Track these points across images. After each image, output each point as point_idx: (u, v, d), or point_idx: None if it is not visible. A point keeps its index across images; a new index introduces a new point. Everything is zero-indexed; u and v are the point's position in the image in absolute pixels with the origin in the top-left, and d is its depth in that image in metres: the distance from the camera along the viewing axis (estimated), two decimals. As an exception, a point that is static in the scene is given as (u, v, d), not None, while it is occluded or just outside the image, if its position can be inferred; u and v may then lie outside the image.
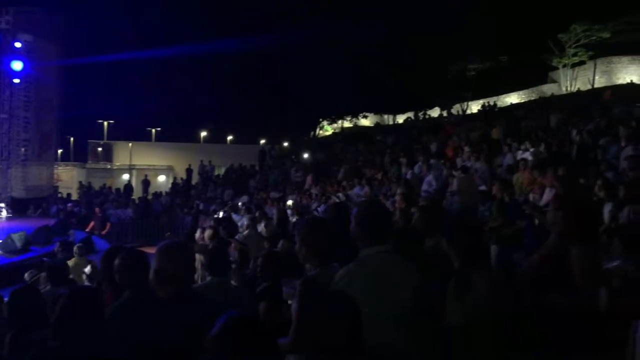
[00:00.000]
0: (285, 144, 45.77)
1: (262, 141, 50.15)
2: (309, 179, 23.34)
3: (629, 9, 38.37)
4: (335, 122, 53.00)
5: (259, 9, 44.45)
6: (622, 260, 3.33)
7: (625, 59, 41.28)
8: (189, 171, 33.57)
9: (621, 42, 40.20)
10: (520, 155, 14.39)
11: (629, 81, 39.00)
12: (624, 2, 37.71)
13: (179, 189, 31.27)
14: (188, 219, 21.28)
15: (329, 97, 42.73)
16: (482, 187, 11.86)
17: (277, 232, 10.11)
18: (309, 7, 43.51)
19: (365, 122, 52.52)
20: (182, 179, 34.75)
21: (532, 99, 42.51)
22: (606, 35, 39.87)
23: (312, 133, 51.50)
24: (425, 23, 42.92)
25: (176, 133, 51.85)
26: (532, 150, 14.45)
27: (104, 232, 20.22)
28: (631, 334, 2.50)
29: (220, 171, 34.76)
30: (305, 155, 33.75)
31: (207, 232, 9.23)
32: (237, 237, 10.11)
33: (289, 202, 18.10)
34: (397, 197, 8.94)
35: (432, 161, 16.57)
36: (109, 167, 48.88)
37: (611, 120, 20.42)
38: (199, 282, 5.91)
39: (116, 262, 3.70)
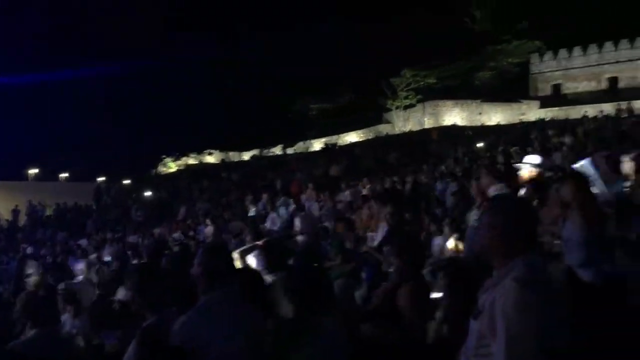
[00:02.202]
0: (126, 181, 43.61)
1: (100, 178, 47.30)
2: (182, 210, 22.16)
3: (450, 58, 42.73)
4: (179, 159, 51.72)
5: (92, 45, 42.50)
6: (445, 293, 3.50)
7: (449, 102, 45.58)
8: (15, 212, 30.51)
9: (445, 87, 44.40)
10: (359, 192, 14.98)
11: (453, 123, 43.03)
12: (445, 52, 41.95)
13: (3, 231, 28.22)
14: (13, 264, 19.21)
15: (172, 133, 41.78)
16: (324, 224, 12.15)
17: (114, 278, 9.39)
18: (148, 41, 42.53)
19: (210, 159, 51.91)
20: (7, 220, 31.46)
21: (370, 137, 45.06)
22: (432, 80, 43.86)
23: (154, 170, 49.69)
24: (270, 64, 44.01)
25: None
26: (369, 186, 15.09)
27: None
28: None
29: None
30: (147, 193, 32.32)
31: (33, 279, 8.36)
32: (64, 284, 9.21)
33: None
34: (246, 237, 8.78)
35: (281, 199, 16.55)
36: None
37: (440, 158, 22.25)
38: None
39: None
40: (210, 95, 44.37)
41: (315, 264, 4.38)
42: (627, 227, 3.78)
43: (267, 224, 12.88)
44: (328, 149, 38.50)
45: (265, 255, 4.58)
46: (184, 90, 43.43)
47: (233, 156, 52.43)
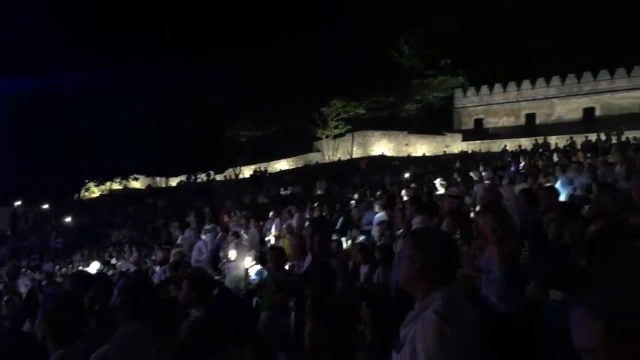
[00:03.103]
0: (45, 206, 41.64)
1: (17, 203, 44.91)
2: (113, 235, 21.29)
3: (379, 90, 43.89)
4: (103, 184, 50.01)
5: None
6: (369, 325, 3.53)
7: (377, 133, 46.70)
8: None
9: (374, 118, 45.46)
10: (289, 221, 14.95)
11: (380, 153, 44.02)
12: (374, 84, 43.08)
13: None
14: None
15: (96, 157, 40.42)
16: (253, 252, 12.05)
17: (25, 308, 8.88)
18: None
19: (136, 184, 50.50)
20: None
21: (299, 166, 45.32)
22: (361, 111, 44.85)
23: (76, 195, 47.73)
24: (200, 89, 43.68)
25: None
26: (297, 215, 15.09)
27: None
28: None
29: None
30: (68, 219, 31.00)
31: None
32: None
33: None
34: (167, 268, 8.56)
35: (206, 226, 16.22)
36: None
37: (368, 187, 22.61)
38: None
39: None
40: (138, 119, 43.32)
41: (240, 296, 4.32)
42: (541, 258, 3.95)
43: (194, 253, 12.59)
44: (257, 175, 38.39)
45: (190, 288, 4.47)
46: (109, 113, 42.20)
47: (160, 182, 51.29)
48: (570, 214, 4.06)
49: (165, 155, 42.52)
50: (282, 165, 47.26)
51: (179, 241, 15.52)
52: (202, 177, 43.71)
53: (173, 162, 43.48)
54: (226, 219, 18.47)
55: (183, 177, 44.15)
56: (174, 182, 47.05)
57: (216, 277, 10.36)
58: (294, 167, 45.91)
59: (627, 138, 24.45)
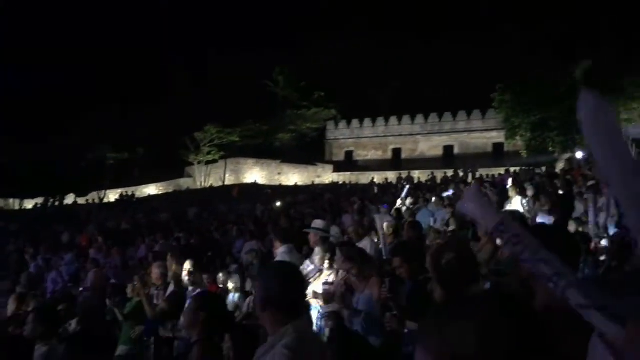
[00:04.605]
0: None
1: None
2: None
3: (253, 118, 44.13)
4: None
5: None
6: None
7: (251, 161, 46.73)
8: None
9: (247, 145, 45.45)
10: (156, 248, 14.35)
11: (253, 181, 43.99)
12: (249, 112, 43.30)
13: None
14: None
15: None
16: (113, 281, 11.38)
17: None
18: None
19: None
20: None
21: (170, 191, 43.99)
22: (235, 138, 44.65)
23: None
24: (66, 106, 41.24)
25: None
26: (162, 242, 14.57)
27: None
28: None
29: None
30: None
31: None
32: None
33: None
34: (12, 301, 7.79)
35: (68, 256, 15.06)
36: None
37: (239, 215, 22.43)
38: None
39: None
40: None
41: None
42: (396, 294, 4.14)
43: (48, 283, 11.64)
44: (124, 200, 36.67)
45: (36, 323, 4.08)
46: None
47: (13, 204, 47.13)
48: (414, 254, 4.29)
49: (18, 175, 39.31)
50: (151, 190, 45.56)
51: (31, 269, 14.29)
52: (63, 200, 40.86)
53: (29, 183, 40.29)
54: (86, 244, 17.39)
55: (40, 200, 40.97)
56: (29, 204, 43.48)
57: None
58: (164, 192, 44.46)
59: (480, 175, 26.55)
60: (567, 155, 26.75)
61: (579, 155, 21.21)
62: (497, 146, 40.71)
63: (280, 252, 6.11)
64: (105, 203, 39.36)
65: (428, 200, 14.27)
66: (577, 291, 1.25)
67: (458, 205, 1.69)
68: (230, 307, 7.65)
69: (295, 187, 39.42)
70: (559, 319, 1.50)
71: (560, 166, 23.43)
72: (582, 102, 1.32)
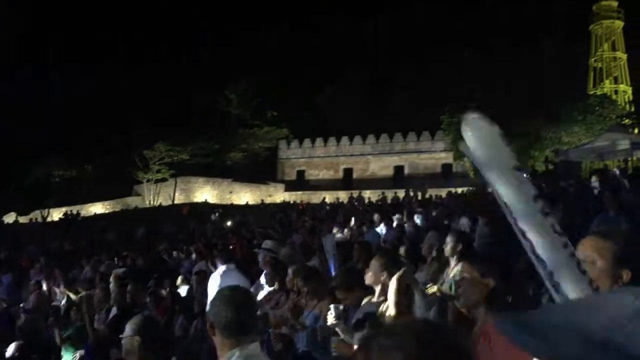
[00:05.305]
0: None
1: None
2: None
3: (205, 136, 43.72)
4: None
5: None
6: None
7: (201, 179, 46.20)
8: None
9: (198, 164, 44.93)
10: (101, 269, 13.95)
11: (204, 200, 43.44)
12: (201, 130, 42.89)
13: None
14: None
15: None
16: (56, 303, 11.02)
17: None
18: None
19: None
20: None
21: (117, 210, 42.93)
22: (185, 156, 44.05)
23: None
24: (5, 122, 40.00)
25: None
26: (107, 263, 14.21)
27: None
28: None
29: None
30: None
31: None
32: None
33: None
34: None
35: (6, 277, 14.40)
36: None
37: (187, 234, 22.09)
38: None
39: None
40: None
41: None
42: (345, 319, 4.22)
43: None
44: (68, 219, 35.56)
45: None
46: None
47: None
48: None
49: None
50: (98, 208, 44.31)
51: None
52: (4, 219, 39.27)
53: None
54: (26, 265, 16.76)
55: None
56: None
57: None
58: (111, 211, 43.33)
59: (429, 195, 27.04)
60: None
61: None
62: (446, 167, 41.59)
63: (220, 271, 6.09)
64: (49, 222, 38.09)
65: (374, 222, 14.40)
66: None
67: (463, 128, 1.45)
68: (177, 330, 7.50)
69: (247, 206, 39.16)
70: (499, 345, 1.52)
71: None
72: (468, 124, 1.40)
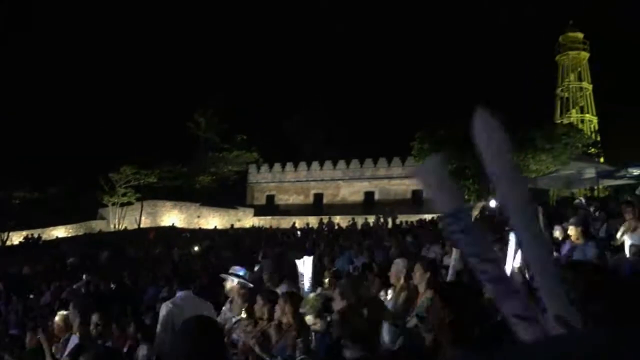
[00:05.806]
0: None
1: None
2: None
3: (173, 159, 43.28)
4: None
5: None
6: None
7: (169, 203, 45.47)
8: None
9: (166, 187, 44.31)
10: (63, 295, 13.48)
11: (171, 224, 42.71)
12: (168, 153, 42.49)
13: None
14: None
15: None
16: (13, 332, 10.55)
17: None
18: None
19: None
20: None
21: (80, 233, 41.84)
22: (153, 180, 43.39)
23: None
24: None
25: None
26: (68, 289, 13.71)
27: None
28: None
29: None
30: None
31: None
32: None
33: None
34: None
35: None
36: None
37: (154, 260, 21.56)
38: None
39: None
40: None
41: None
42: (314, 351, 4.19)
43: None
44: (29, 243, 34.48)
45: None
46: None
47: None
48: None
49: None
50: (60, 232, 43.09)
51: None
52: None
53: None
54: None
55: None
56: None
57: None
58: (74, 234, 42.18)
59: (400, 221, 27.02)
60: (481, 204, 27.74)
61: (493, 203, 22.01)
62: (417, 193, 41.80)
63: (178, 297, 5.89)
64: (8, 246, 36.87)
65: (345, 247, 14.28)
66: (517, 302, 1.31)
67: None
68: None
69: (215, 230, 38.61)
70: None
71: (474, 214, 24.23)
72: (477, 120, 1.45)
